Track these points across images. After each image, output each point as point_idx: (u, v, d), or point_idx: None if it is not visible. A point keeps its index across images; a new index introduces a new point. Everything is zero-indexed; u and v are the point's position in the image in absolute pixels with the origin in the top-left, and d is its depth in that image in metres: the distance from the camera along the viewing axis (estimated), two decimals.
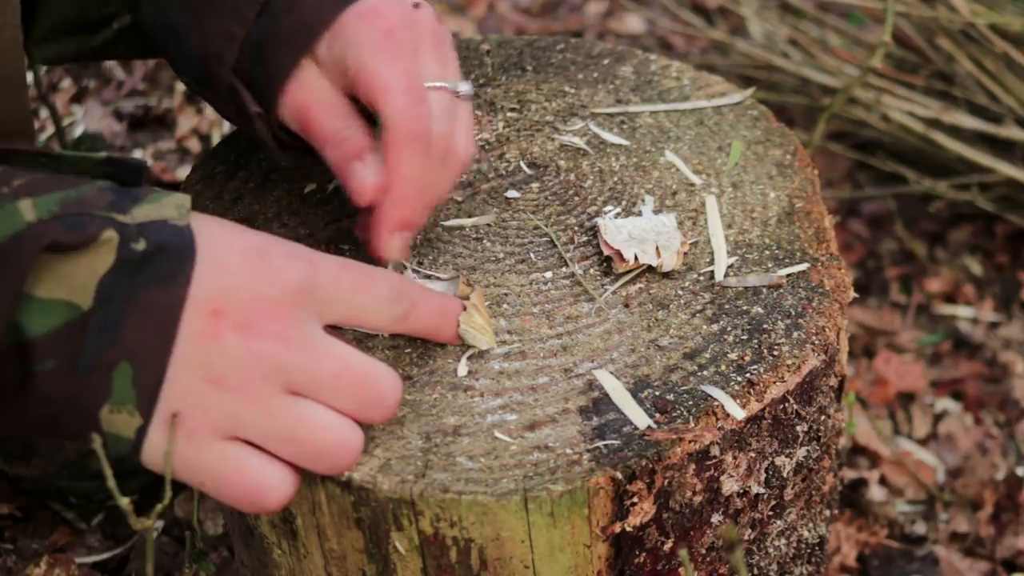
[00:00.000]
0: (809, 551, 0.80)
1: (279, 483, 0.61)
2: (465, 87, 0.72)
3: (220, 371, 0.59)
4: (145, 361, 0.58)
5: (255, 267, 0.61)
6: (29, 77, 0.95)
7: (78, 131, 1.58)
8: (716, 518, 0.69)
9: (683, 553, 0.60)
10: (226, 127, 1.64)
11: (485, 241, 0.78)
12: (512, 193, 0.82)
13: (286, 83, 0.70)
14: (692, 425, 0.66)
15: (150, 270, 0.58)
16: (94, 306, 0.57)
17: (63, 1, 0.81)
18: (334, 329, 0.63)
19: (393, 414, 0.64)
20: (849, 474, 1.23)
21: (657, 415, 0.66)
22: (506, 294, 0.74)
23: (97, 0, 0.80)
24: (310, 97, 0.70)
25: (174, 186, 1.07)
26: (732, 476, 0.68)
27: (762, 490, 0.71)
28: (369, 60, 0.68)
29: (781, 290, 0.74)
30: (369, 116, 0.71)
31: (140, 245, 0.58)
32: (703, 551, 0.70)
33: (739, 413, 0.67)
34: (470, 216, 0.80)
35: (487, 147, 0.86)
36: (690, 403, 0.67)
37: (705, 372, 0.69)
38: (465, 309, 0.70)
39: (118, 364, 0.58)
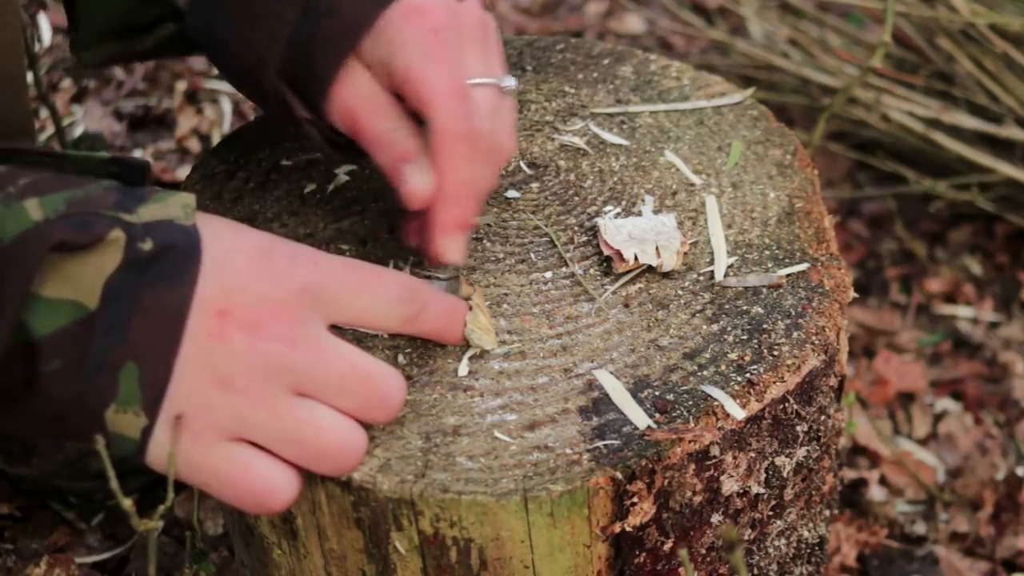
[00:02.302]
0: (809, 551, 0.80)
1: (284, 484, 0.62)
2: (509, 81, 0.71)
3: (226, 372, 0.59)
4: (151, 361, 0.58)
5: (260, 268, 0.61)
6: (29, 77, 0.95)
7: (78, 131, 1.58)
8: (716, 518, 0.69)
9: (683, 553, 0.60)
10: (226, 127, 1.64)
11: (485, 241, 0.78)
12: (512, 193, 0.82)
13: (332, 85, 0.69)
14: (692, 425, 0.66)
15: (156, 270, 0.58)
16: (100, 306, 0.57)
17: (106, 9, 0.81)
18: (335, 329, 0.64)
19: (397, 414, 0.64)
20: (849, 474, 1.23)
21: (657, 415, 0.66)
22: (506, 294, 0.74)
23: (140, 7, 0.80)
24: (357, 98, 0.70)
25: (174, 186, 1.07)
26: (732, 476, 0.68)
27: (762, 490, 0.71)
28: (413, 62, 0.68)
29: (781, 290, 0.74)
30: (417, 114, 0.70)
31: (147, 245, 0.58)
32: (703, 551, 0.70)
33: (739, 413, 0.67)
34: None
35: None
36: (690, 403, 0.67)
37: (705, 372, 0.69)
38: (471, 310, 0.70)
39: (124, 364, 0.58)
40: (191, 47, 0.80)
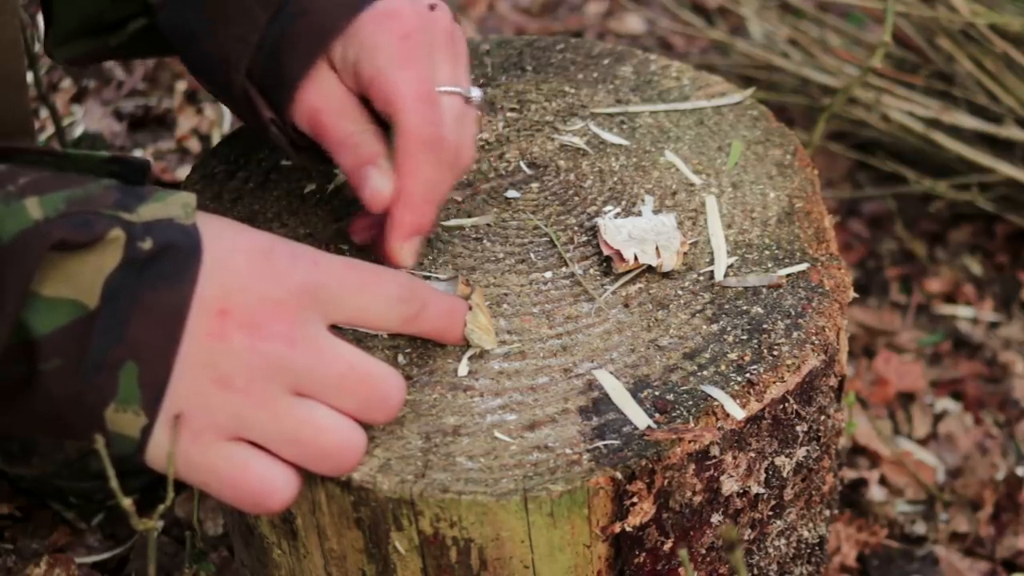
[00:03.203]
0: (809, 551, 0.80)
1: (283, 484, 0.62)
2: (476, 92, 0.72)
3: (226, 371, 0.59)
4: (151, 360, 0.58)
5: (260, 268, 0.61)
6: (29, 77, 0.95)
7: (78, 131, 1.58)
8: (716, 518, 0.69)
9: (683, 553, 0.60)
10: (226, 127, 1.64)
11: (485, 241, 0.78)
12: (512, 193, 0.82)
13: (299, 86, 0.70)
14: (692, 425, 0.66)
15: (156, 269, 0.58)
16: (100, 305, 0.57)
17: (79, 6, 0.81)
18: (335, 329, 0.64)
19: (396, 414, 0.64)
20: (849, 474, 1.23)
21: (657, 415, 0.66)
22: (506, 294, 0.74)
23: (113, 4, 0.80)
24: (323, 101, 0.70)
25: (174, 186, 1.07)
26: (732, 476, 0.68)
27: (762, 490, 0.71)
28: (384, 66, 0.68)
29: (781, 290, 0.74)
30: (381, 119, 0.71)
31: (147, 244, 0.58)
32: (703, 551, 0.70)
33: (739, 413, 0.67)
34: (470, 216, 0.80)
35: (487, 147, 0.86)
36: (690, 403, 0.67)
37: (705, 372, 0.69)
38: (471, 309, 0.70)
39: (124, 363, 0.58)
40: (163, 45, 0.80)
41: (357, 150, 0.70)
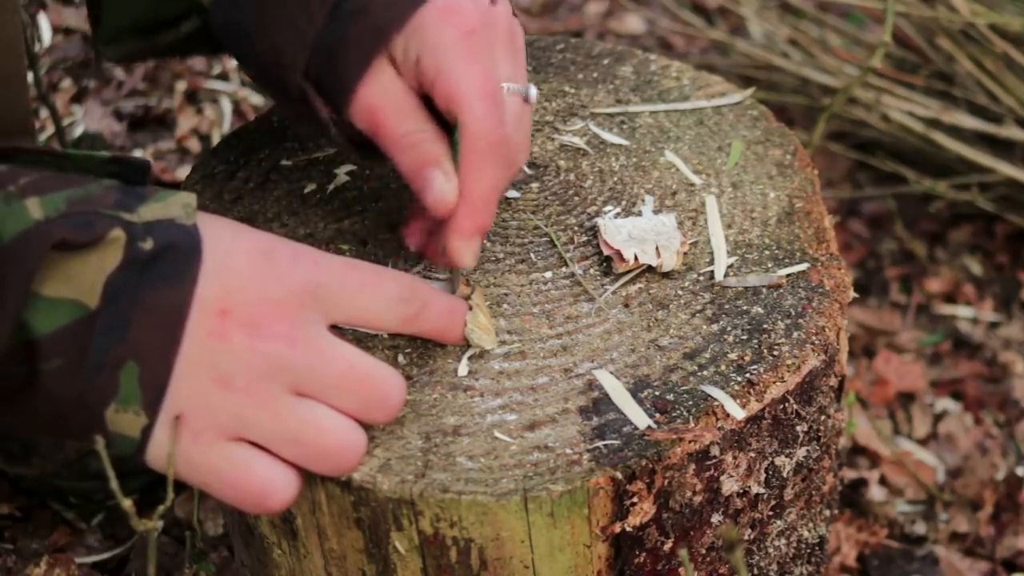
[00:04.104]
0: (809, 551, 0.80)
1: (283, 484, 0.62)
2: (533, 91, 0.71)
3: (226, 371, 0.59)
4: (151, 360, 0.58)
5: (260, 268, 0.61)
6: (29, 77, 0.95)
7: (78, 131, 1.58)
8: (716, 518, 0.69)
9: (683, 553, 0.60)
10: (226, 127, 1.64)
11: (485, 241, 0.78)
12: (512, 193, 0.82)
13: (358, 84, 0.68)
14: (692, 425, 0.66)
15: (157, 269, 0.58)
16: (101, 305, 0.57)
17: (131, 3, 0.80)
18: (335, 329, 0.64)
19: (397, 414, 0.64)
20: (849, 474, 1.23)
21: (657, 415, 0.66)
22: (506, 294, 0.74)
23: (164, 2, 0.79)
24: (382, 99, 0.68)
25: (174, 186, 1.07)
26: (732, 476, 0.68)
27: (762, 490, 0.71)
28: (448, 63, 0.67)
29: (781, 290, 0.74)
30: (440, 118, 0.69)
31: (147, 244, 0.58)
32: (703, 551, 0.70)
33: (739, 413, 0.67)
34: None
35: None
36: (690, 403, 0.67)
37: (705, 372, 0.69)
38: (471, 309, 0.70)
39: (124, 363, 0.58)
40: (216, 44, 0.79)
41: (417, 150, 0.68)
